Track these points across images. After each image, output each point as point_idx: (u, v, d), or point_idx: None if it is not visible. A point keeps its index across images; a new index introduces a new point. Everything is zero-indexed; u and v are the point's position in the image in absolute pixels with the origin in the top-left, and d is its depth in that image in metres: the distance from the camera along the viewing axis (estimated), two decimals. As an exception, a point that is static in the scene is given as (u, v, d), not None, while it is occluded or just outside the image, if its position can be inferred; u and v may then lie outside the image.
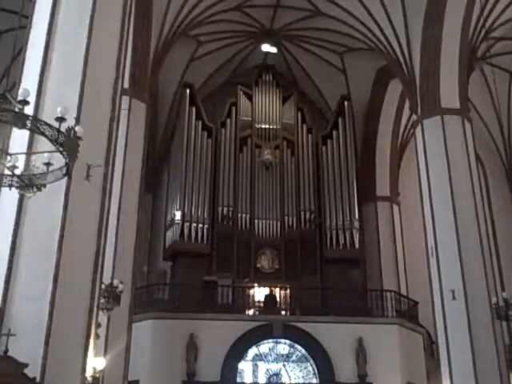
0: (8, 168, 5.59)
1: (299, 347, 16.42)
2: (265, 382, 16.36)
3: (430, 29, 16.09)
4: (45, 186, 5.86)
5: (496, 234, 20.73)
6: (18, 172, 5.68)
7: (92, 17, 9.06)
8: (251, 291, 18.20)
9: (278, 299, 17.88)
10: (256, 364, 16.42)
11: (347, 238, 19.62)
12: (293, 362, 16.51)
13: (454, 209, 14.77)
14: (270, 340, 16.46)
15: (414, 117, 16.91)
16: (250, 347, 16.22)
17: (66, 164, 5.68)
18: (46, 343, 7.36)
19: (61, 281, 7.66)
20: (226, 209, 19.82)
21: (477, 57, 18.09)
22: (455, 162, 15.28)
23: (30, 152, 7.01)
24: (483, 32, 17.29)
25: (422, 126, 16.17)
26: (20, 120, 5.18)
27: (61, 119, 5.39)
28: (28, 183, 5.75)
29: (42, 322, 7.42)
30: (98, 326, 9.18)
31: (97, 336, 9.02)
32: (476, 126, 17.16)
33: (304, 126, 21.71)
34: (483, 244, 14.68)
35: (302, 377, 16.42)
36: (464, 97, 16.29)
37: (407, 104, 18.04)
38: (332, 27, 19.64)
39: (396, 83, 19.35)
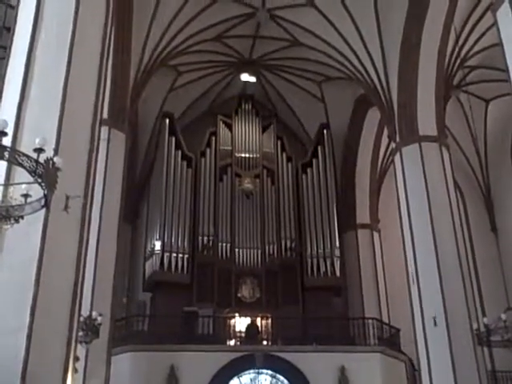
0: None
1: (281, 377, 16.24)
2: (247, 413, 16.16)
3: (406, 58, 16.30)
4: (22, 217, 5.79)
5: (475, 259, 20.87)
6: (-6, 204, 5.61)
7: (71, 47, 9.03)
8: (232, 321, 18.03)
9: (260, 329, 17.73)
10: (238, 396, 16.23)
11: (328, 266, 19.62)
12: (275, 393, 16.34)
13: (434, 235, 14.82)
14: (252, 371, 16.25)
15: (393, 144, 17.07)
16: (231, 378, 16.00)
17: (45, 195, 5.62)
18: (23, 377, 7.18)
19: (38, 313, 7.50)
20: (206, 238, 19.72)
21: (453, 85, 18.38)
22: (434, 188, 15.37)
23: (7, 183, 6.93)
24: (459, 61, 17.61)
25: (400, 153, 16.29)
26: (-3, 151, 5.13)
27: (39, 150, 5.35)
28: (5, 215, 5.68)
29: (18, 356, 7.24)
30: (76, 359, 9.00)
31: (75, 370, 8.83)
32: (453, 153, 17.33)
33: (284, 155, 21.81)
34: (463, 269, 14.71)
35: (285, 408, 16.23)
36: (441, 124, 16.46)
37: (386, 132, 18.22)
38: (310, 57, 19.86)
39: (374, 111, 19.56)
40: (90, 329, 10.79)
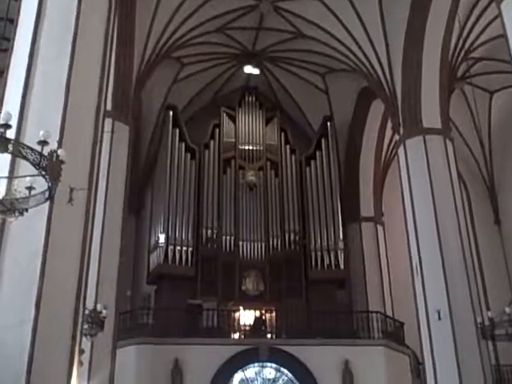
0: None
1: (286, 371, 16.27)
2: (251, 406, 16.19)
3: (410, 50, 16.23)
4: (27, 210, 5.77)
5: (479, 253, 20.80)
6: (-1, 196, 5.59)
7: (74, 40, 8.97)
8: (236, 314, 18.03)
9: (264, 322, 17.74)
10: (242, 389, 16.24)
11: (332, 258, 19.61)
12: (279, 386, 16.35)
13: (438, 228, 14.79)
14: (256, 364, 16.30)
15: (397, 137, 17.01)
16: (235, 372, 16.03)
17: (49, 188, 5.60)
18: (28, 372, 7.15)
19: (43, 307, 7.47)
20: (210, 231, 19.71)
21: (457, 77, 18.29)
22: (438, 181, 15.34)
23: (11, 176, 6.90)
24: (463, 53, 17.52)
25: (404, 145, 16.25)
26: (2, 144, 5.10)
27: (43, 143, 5.32)
28: (10, 208, 5.65)
29: (24, 349, 7.23)
30: (82, 352, 8.99)
31: (80, 363, 8.83)
32: (457, 145, 17.29)
33: (287, 147, 21.76)
34: (467, 263, 14.68)
35: (289, 401, 16.25)
36: (445, 117, 16.41)
37: (390, 124, 18.15)
38: (314, 49, 19.78)
39: (378, 104, 19.48)
40: (95, 321, 10.76)
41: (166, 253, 18.70)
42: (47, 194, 5.70)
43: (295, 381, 16.18)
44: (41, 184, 5.67)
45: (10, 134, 5.33)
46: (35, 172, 5.43)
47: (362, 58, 17.72)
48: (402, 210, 16.17)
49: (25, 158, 5.28)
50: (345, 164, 22.18)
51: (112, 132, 14.65)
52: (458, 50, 17.25)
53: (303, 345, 16.33)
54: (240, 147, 21.47)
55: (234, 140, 21.55)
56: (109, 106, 12.57)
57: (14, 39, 9.15)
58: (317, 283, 19.47)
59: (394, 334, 17.48)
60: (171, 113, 20.67)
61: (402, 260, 17.28)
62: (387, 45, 17.05)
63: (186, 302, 17.25)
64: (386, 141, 21.61)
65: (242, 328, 17.69)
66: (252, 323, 17.57)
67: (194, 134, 21.19)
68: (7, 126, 5.13)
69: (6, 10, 12.08)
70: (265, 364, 16.33)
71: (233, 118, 21.87)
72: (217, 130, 21.50)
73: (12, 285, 7.55)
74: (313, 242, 19.97)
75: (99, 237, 12.90)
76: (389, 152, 22.10)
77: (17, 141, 5.55)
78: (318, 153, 21.51)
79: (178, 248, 18.88)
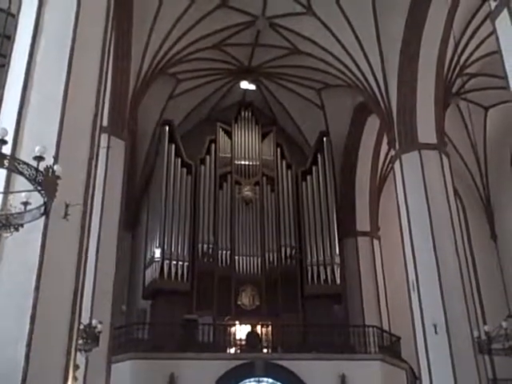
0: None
1: (281, 385, 16.19)
2: (247, 422, 16.08)
3: (405, 65, 16.35)
4: (22, 225, 5.78)
5: (476, 267, 20.85)
6: (-6, 212, 5.60)
7: (71, 55, 9.03)
8: (232, 329, 17.97)
9: (260, 336, 17.66)
10: (238, 404, 16.13)
11: (328, 273, 19.59)
12: (275, 401, 16.25)
13: (434, 242, 14.81)
14: (252, 379, 16.18)
15: (392, 152, 17.08)
16: (231, 387, 15.95)
17: (44, 203, 5.62)
18: (23, 387, 7.15)
19: (38, 322, 7.46)
20: (206, 246, 19.70)
21: (452, 92, 18.37)
22: (434, 196, 15.38)
23: (7, 191, 6.92)
24: (458, 68, 17.61)
25: (400, 160, 16.31)
26: (-3, 159, 5.13)
27: (39, 158, 5.34)
28: (5, 223, 5.66)
29: (18, 366, 7.20)
30: (76, 368, 8.95)
31: (75, 379, 8.78)
32: (453, 161, 17.34)
33: (283, 162, 21.82)
34: (464, 277, 14.69)
35: (285, 416, 16.14)
36: (441, 132, 16.49)
37: (385, 139, 18.23)
38: (310, 64, 19.88)
39: (374, 119, 19.59)
40: (90, 337, 10.73)
41: (162, 268, 18.66)
42: (43, 209, 5.71)
43: (291, 396, 16.09)
44: (36, 199, 5.68)
45: (6, 149, 5.36)
46: (31, 187, 5.45)
47: (357, 74, 17.82)
48: (398, 224, 16.20)
49: (21, 173, 5.30)
50: (341, 179, 22.23)
51: (108, 147, 14.65)
52: (453, 65, 17.34)
53: (299, 359, 16.26)
54: (236, 162, 21.52)
55: (230, 155, 21.60)
56: (105, 122, 12.61)
57: (10, 55, 9.19)
58: (313, 298, 19.44)
59: (391, 349, 17.43)
60: (167, 128, 20.74)
61: (398, 274, 17.28)
62: (383, 60, 17.17)
63: (182, 317, 17.17)
64: (382, 156, 21.68)
65: (238, 343, 17.60)
66: (248, 338, 17.46)
67: (190, 149, 21.23)
68: (3, 142, 5.15)
69: (3, 26, 12.14)
70: (261, 379, 16.22)
71: (229, 134, 21.93)
72: (213, 146, 21.56)
73: (7, 300, 7.53)
74: (309, 257, 19.97)
75: (94, 252, 12.90)
76: (384, 167, 22.17)
77: (13, 156, 5.58)
78: (313, 168, 21.57)
79: (174, 263, 18.86)
